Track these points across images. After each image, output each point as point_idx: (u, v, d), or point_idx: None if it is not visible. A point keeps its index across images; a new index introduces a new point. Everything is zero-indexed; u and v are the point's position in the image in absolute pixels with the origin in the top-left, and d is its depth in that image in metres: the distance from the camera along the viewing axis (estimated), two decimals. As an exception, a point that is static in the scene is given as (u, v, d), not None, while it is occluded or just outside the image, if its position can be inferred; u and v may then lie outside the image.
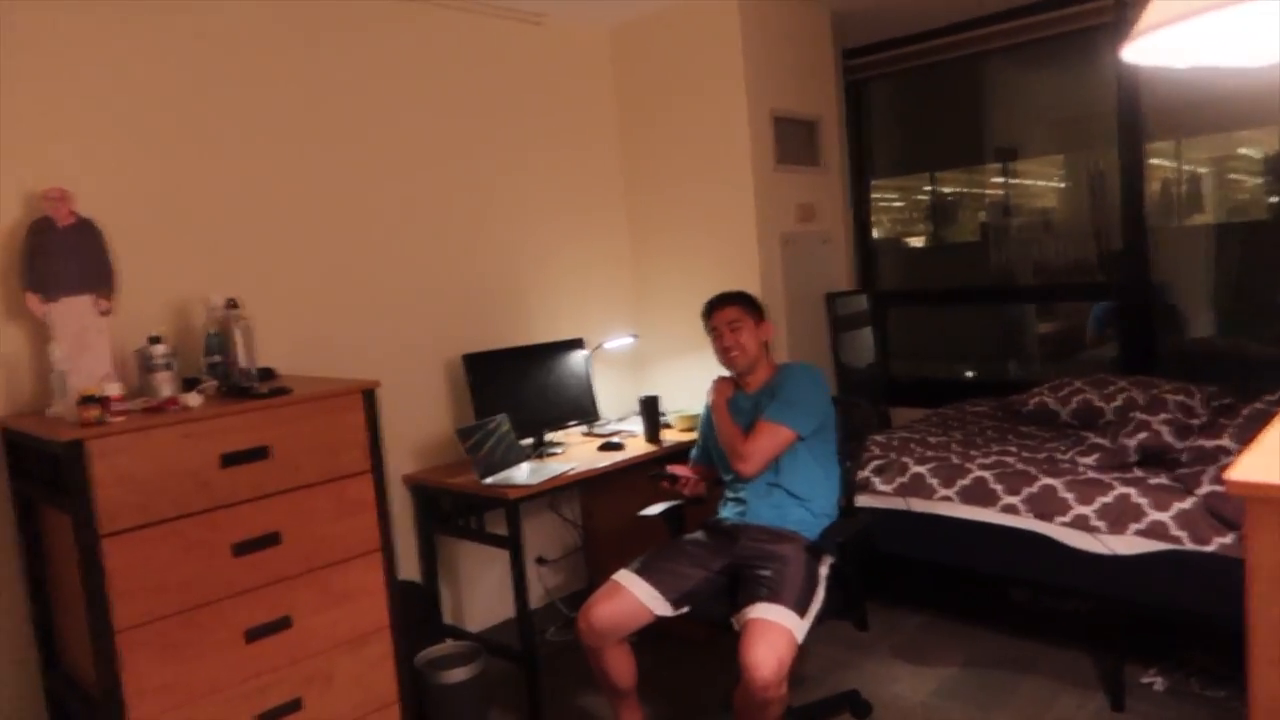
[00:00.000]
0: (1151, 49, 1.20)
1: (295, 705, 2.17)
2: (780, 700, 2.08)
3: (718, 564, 2.39)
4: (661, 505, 2.66)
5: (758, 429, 2.42)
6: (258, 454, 2.10)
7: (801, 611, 2.14)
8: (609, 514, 3.48)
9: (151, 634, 1.94)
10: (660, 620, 2.33)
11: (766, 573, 2.24)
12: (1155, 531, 2.43)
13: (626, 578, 2.34)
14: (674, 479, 2.56)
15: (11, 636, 2.25)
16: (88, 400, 1.91)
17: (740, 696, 2.11)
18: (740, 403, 2.57)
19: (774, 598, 2.14)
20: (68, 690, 2.16)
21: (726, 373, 2.63)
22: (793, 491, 2.43)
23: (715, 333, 2.56)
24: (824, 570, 2.30)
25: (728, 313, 2.55)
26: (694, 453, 2.76)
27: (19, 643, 2.26)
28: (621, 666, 2.35)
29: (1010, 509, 2.69)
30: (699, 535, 2.53)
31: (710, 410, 2.62)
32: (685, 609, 2.34)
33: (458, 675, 2.62)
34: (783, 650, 2.05)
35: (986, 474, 2.79)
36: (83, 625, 1.92)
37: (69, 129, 2.33)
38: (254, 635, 2.10)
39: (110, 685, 1.88)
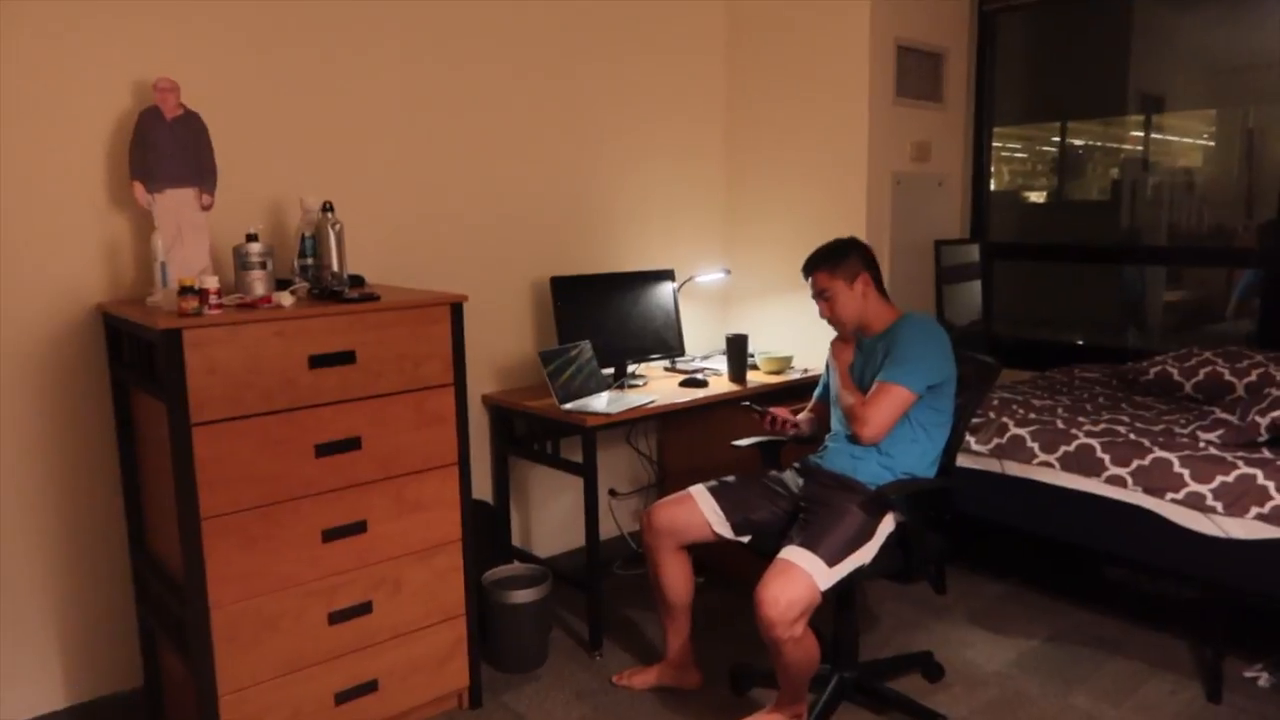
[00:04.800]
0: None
1: (365, 608, 2.28)
2: (792, 643, 2.12)
3: (786, 503, 2.45)
4: (756, 438, 2.68)
5: (875, 390, 2.34)
6: (344, 358, 2.17)
7: (832, 561, 2.16)
8: (685, 451, 3.51)
9: (234, 524, 2.05)
10: (723, 545, 2.44)
11: (815, 518, 2.27)
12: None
13: (698, 490, 2.49)
14: (764, 413, 2.59)
15: (104, 518, 2.42)
16: (187, 291, 1.99)
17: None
18: (862, 345, 2.51)
19: (807, 543, 2.18)
20: (151, 571, 2.32)
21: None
22: (878, 444, 2.40)
23: (815, 298, 2.51)
24: (884, 527, 2.27)
25: (814, 281, 2.48)
26: (816, 391, 2.75)
27: (111, 523, 2.42)
28: (675, 576, 2.49)
29: (1116, 480, 2.61)
30: (786, 473, 2.56)
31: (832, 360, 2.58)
32: (746, 538, 2.44)
33: (523, 596, 2.71)
34: (794, 593, 2.09)
35: (1094, 442, 2.70)
36: (169, 510, 2.05)
37: (176, 19, 2.40)
38: (330, 536, 2.20)
39: (194, 570, 2.00)
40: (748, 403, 2.66)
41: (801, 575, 2.12)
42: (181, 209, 2.25)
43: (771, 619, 2.09)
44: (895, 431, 2.36)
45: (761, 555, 2.33)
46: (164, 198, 2.23)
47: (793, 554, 2.16)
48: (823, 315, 2.50)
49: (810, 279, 2.49)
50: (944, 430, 2.42)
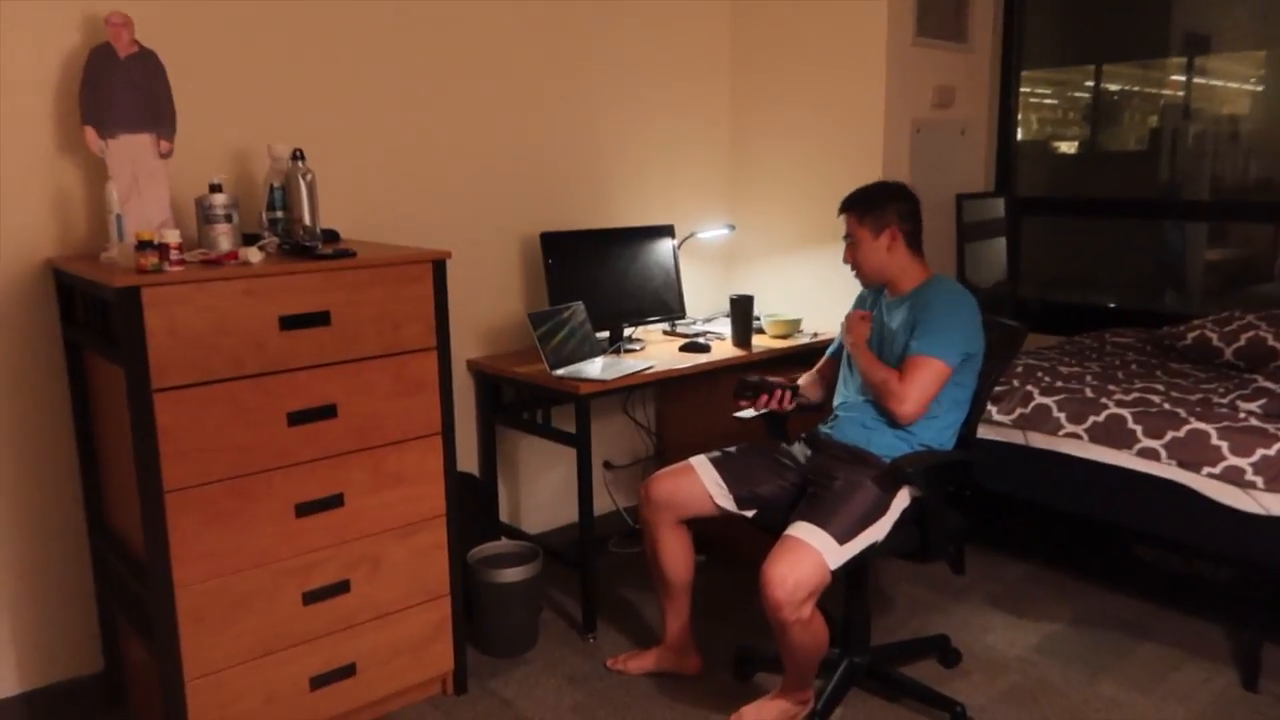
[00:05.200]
0: None
1: (343, 587, 2.25)
2: (800, 625, 2.11)
3: (794, 476, 2.42)
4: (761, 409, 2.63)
5: (910, 364, 2.29)
6: (318, 319, 2.13)
7: (843, 539, 2.14)
8: (685, 421, 3.48)
9: (200, 498, 2.02)
10: (726, 520, 2.43)
11: (825, 493, 2.24)
12: (1324, 495, 2.30)
13: (699, 461, 2.47)
14: (756, 390, 2.49)
15: (59, 491, 2.38)
16: (145, 246, 1.94)
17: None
18: (883, 304, 2.47)
19: (816, 519, 2.16)
20: (112, 549, 2.29)
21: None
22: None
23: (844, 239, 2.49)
24: (898, 502, 2.25)
25: (844, 223, 2.46)
26: (830, 349, 2.72)
27: (66, 497, 2.39)
28: (675, 554, 2.48)
29: (1149, 453, 2.59)
30: (794, 445, 2.53)
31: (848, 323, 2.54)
32: (750, 512, 2.42)
33: (512, 575, 2.70)
34: (802, 573, 2.08)
35: (1125, 412, 2.68)
36: (130, 484, 2.01)
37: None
38: (304, 510, 2.17)
39: (157, 547, 1.97)
40: (739, 388, 2.55)
41: (810, 553, 2.10)
42: (138, 156, 2.19)
43: (778, 600, 2.07)
44: None
45: (767, 531, 2.31)
46: (118, 144, 2.17)
47: (801, 531, 2.14)
48: (845, 260, 2.48)
49: (842, 218, 2.48)
50: (966, 401, 2.38)
